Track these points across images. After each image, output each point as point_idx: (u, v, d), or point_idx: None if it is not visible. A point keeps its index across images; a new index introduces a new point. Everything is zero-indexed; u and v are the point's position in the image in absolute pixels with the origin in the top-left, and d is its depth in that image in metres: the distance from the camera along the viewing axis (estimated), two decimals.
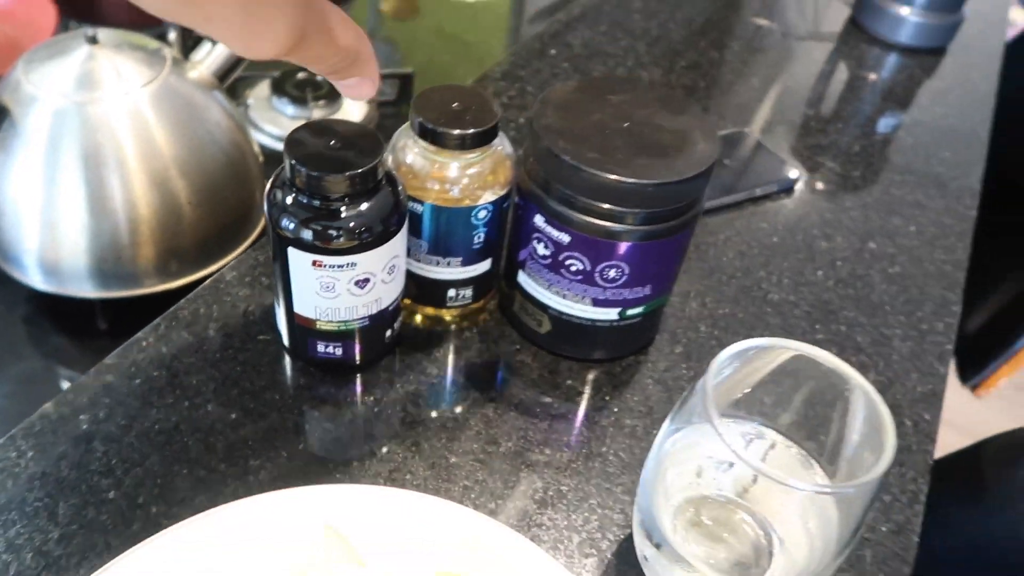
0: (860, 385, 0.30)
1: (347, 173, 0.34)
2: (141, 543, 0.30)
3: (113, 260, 0.51)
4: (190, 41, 0.58)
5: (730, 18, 0.83)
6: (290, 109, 0.70)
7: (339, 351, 0.40)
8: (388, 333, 0.41)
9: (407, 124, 0.40)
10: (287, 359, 0.42)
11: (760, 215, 0.57)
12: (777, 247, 0.54)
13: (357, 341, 0.40)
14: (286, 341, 0.41)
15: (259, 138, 0.67)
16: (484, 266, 0.44)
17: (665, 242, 0.39)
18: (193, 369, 0.40)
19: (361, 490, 0.34)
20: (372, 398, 0.41)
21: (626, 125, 0.39)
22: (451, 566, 0.32)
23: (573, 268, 0.40)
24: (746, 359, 0.31)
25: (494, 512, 0.36)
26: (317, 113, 0.70)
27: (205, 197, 0.54)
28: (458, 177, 0.40)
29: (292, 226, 0.35)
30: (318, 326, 0.39)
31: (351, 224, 0.35)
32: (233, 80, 0.58)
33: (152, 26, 0.65)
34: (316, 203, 0.35)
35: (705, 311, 0.48)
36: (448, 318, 0.45)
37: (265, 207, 0.36)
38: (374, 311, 0.39)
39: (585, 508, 0.37)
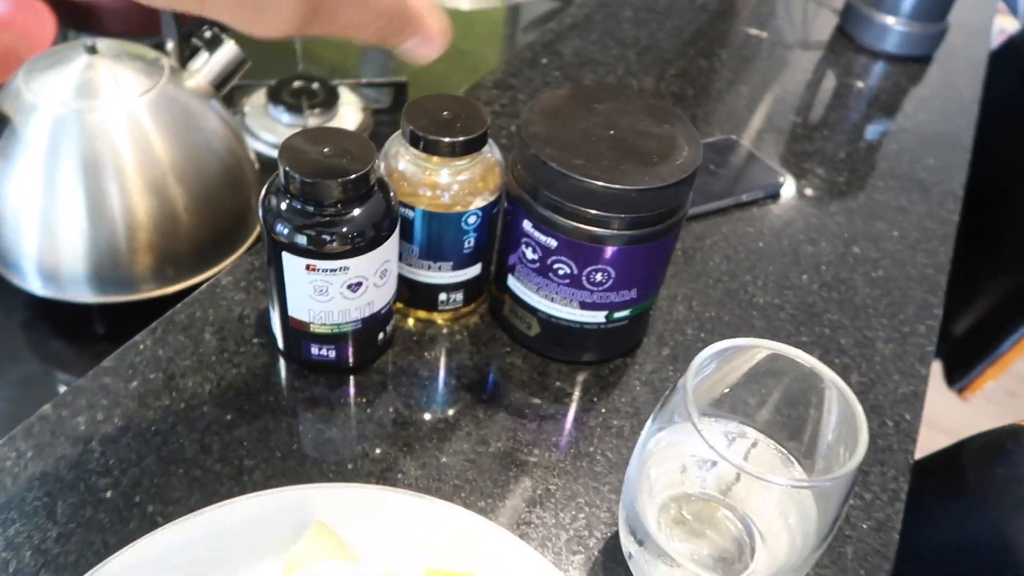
0: (834, 382, 0.31)
1: (340, 179, 0.35)
2: (136, 540, 0.31)
3: (111, 266, 0.52)
4: (187, 51, 0.59)
5: (719, 27, 0.84)
6: (286, 117, 0.71)
7: (332, 353, 0.41)
8: (380, 336, 0.42)
9: (399, 132, 0.41)
10: (281, 361, 0.43)
11: (747, 220, 0.58)
12: (763, 251, 0.55)
13: (350, 344, 0.41)
14: (280, 344, 0.42)
15: (255, 146, 0.68)
16: (474, 270, 0.45)
17: (650, 246, 0.40)
18: (189, 371, 0.41)
19: (353, 489, 0.34)
20: (365, 400, 0.42)
21: (612, 133, 0.40)
22: (442, 563, 0.33)
23: (561, 272, 0.41)
24: (725, 359, 0.32)
25: (484, 511, 0.37)
26: (313, 121, 0.71)
27: (202, 204, 0.55)
28: (449, 183, 0.41)
29: (286, 231, 0.36)
30: (311, 329, 0.40)
31: (344, 229, 0.36)
32: (230, 88, 0.59)
33: (150, 36, 0.66)
34: (310, 209, 0.36)
35: (692, 314, 0.49)
36: (440, 321, 0.46)
37: (260, 213, 0.37)
38: (367, 314, 0.40)
39: (573, 507, 0.38)
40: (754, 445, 0.36)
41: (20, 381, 0.51)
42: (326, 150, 0.36)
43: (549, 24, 0.80)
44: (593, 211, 0.38)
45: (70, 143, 0.50)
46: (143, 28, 0.71)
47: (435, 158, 0.40)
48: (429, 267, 0.43)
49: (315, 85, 0.73)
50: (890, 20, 0.80)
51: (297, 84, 0.73)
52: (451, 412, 0.42)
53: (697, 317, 0.49)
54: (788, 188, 0.62)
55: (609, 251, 0.39)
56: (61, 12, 0.70)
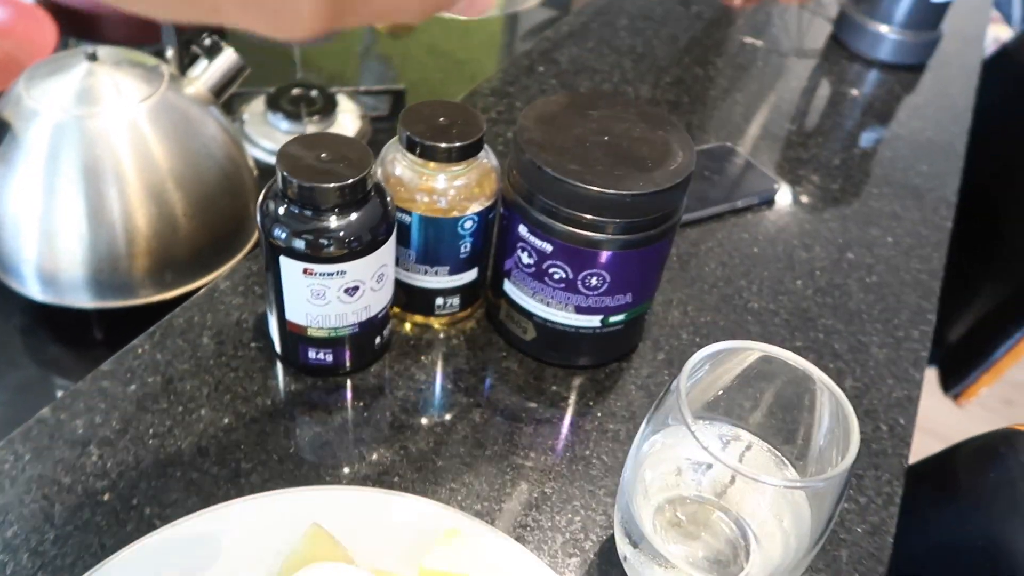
0: (825, 384, 0.31)
1: (337, 184, 0.35)
2: (134, 542, 0.31)
3: (110, 271, 0.52)
4: (187, 58, 0.60)
5: (714, 35, 0.85)
6: (284, 124, 0.72)
7: (329, 357, 0.41)
8: (377, 340, 0.42)
9: (396, 138, 0.41)
10: (279, 365, 0.43)
11: (742, 226, 0.58)
12: (758, 257, 0.56)
13: (347, 348, 0.41)
14: (278, 348, 0.42)
15: (254, 152, 0.69)
16: (471, 275, 0.45)
17: (644, 251, 0.40)
18: (187, 375, 0.41)
19: (349, 491, 0.35)
20: (361, 403, 0.42)
21: (606, 138, 0.40)
22: (438, 565, 0.33)
23: (556, 276, 0.41)
24: (717, 361, 0.33)
25: (480, 514, 0.37)
26: (311, 128, 0.71)
27: (200, 209, 0.55)
28: (445, 189, 0.41)
29: (284, 235, 0.36)
30: (309, 333, 0.40)
31: (341, 233, 0.37)
32: (229, 96, 0.60)
33: (150, 43, 0.67)
34: (307, 213, 0.36)
35: (687, 319, 0.50)
36: (436, 326, 0.47)
37: (258, 217, 0.38)
38: (363, 318, 0.40)
39: (569, 510, 0.38)
40: (748, 448, 0.36)
41: (18, 386, 0.52)
42: (324, 155, 0.37)
43: (546, 32, 0.81)
44: (588, 216, 0.39)
45: (70, 149, 0.51)
46: (143, 36, 0.72)
47: (431, 163, 0.40)
48: (426, 272, 0.44)
49: (314, 92, 0.74)
50: (884, 28, 0.80)
51: (296, 91, 0.73)
52: (447, 416, 0.42)
53: (692, 322, 0.49)
54: (783, 194, 0.62)
55: (604, 255, 0.40)
56: (62, 20, 0.70)
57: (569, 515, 0.38)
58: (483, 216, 0.42)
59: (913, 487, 0.43)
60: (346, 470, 0.38)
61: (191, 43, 0.58)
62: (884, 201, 0.63)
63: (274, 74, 0.77)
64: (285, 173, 0.36)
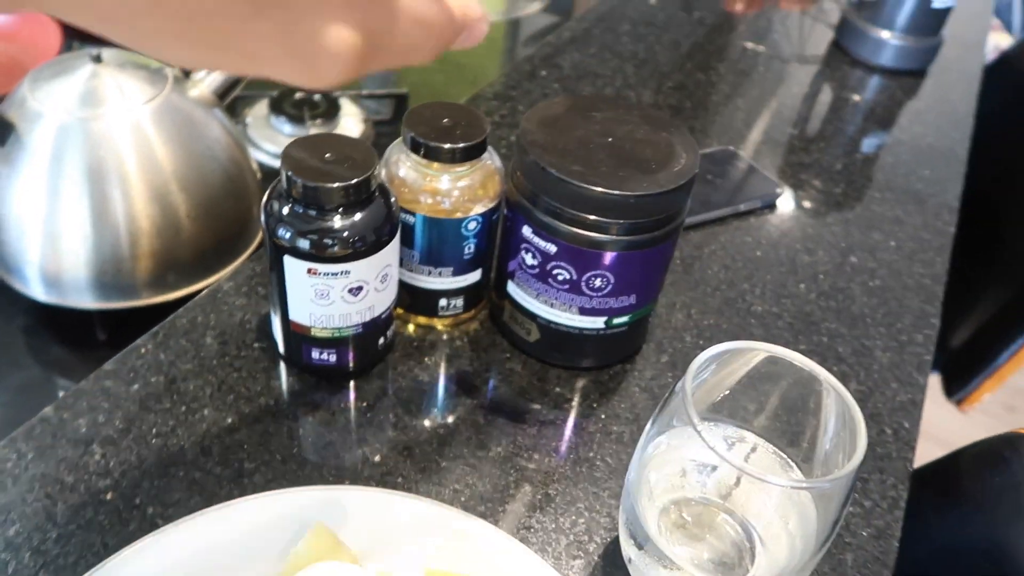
0: (831, 385, 0.31)
1: (341, 184, 0.36)
2: (137, 541, 0.31)
3: (113, 272, 0.52)
4: None
5: (716, 41, 0.85)
6: (287, 127, 0.72)
7: (333, 358, 0.41)
8: (381, 341, 0.42)
9: (400, 139, 0.42)
10: (282, 366, 0.43)
11: (744, 230, 0.58)
12: (761, 260, 0.56)
13: (351, 348, 0.41)
14: (281, 348, 0.42)
15: (257, 155, 0.69)
16: (475, 276, 0.45)
17: (648, 252, 0.40)
18: (190, 375, 0.41)
19: (353, 491, 0.34)
20: (365, 404, 0.42)
21: (610, 140, 0.41)
22: (441, 566, 0.33)
23: (560, 277, 0.41)
24: (723, 362, 0.33)
25: (484, 515, 0.37)
26: (314, 132, 0.71)
27: (204, 211, 0.55)
28: (449, 190, 0.41)
29: (288, 235, 0.36)
30: (313, 333, 0.40)
31: (345, 233, 0.37)
32: (232, 99, 0.60)
33: None
34: (311, 213, 0.36)
35: (690, 322, 0.50)
36: (440, 327, 0.46)
37: (262, 217, 0.38)
38: (367, 318, 0.40)
39: (573, 512, 0.38)
40: (753, 450, 0.36)
41: (21, 386, 0.52)
42: (328, 155, 0.37)
43: (548, 37, 0.81)
44: (592, 217, 0.39)
45: (74, 151, 0.51)
46: None
47: (435, 164, 0.40)
48: (429, 272, 0.44)
49: (316, 96, 0.74)
50: (885, 34, 0.81)
51: (299, 95, 0.73)
52: (451, 417, 0.42)
53: (696, 325, 0.49)
54: (785, 198, 0.62)
55: (608, 256, 0.40)
56: (66, 23, 0.70)
57: (573, 517, 0.38)
58: (487, 217, 0.43)
59: (916, 492, 0.43)
60: (349, 471, 0.38)
61: None
62: (886, 206, 0.63)
63: None
64: (289, 172, 0.36)
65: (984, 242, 0.82)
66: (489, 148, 0.42)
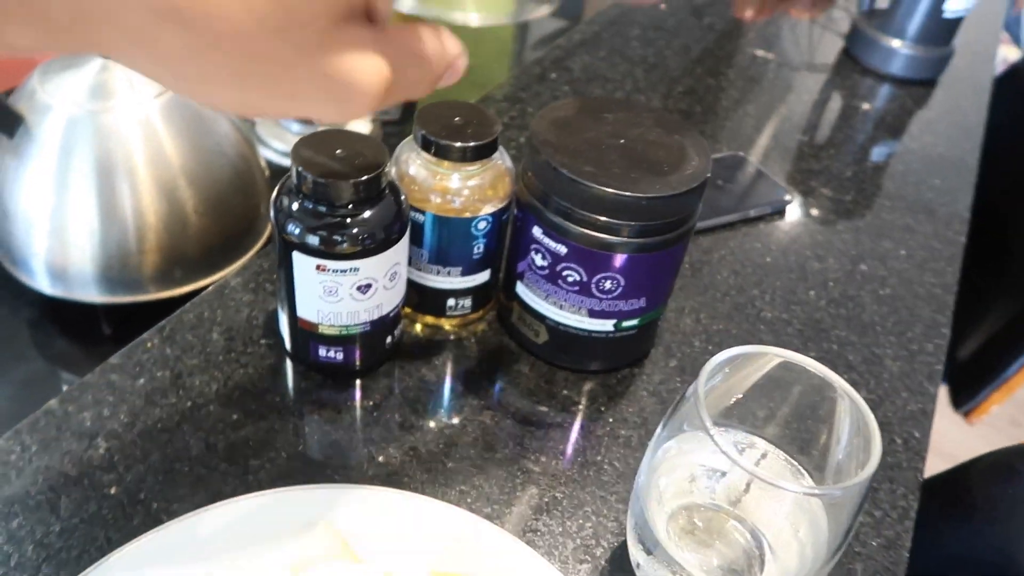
0: (846, 392, 0.31)
1: (352, 180, 0.35)
2: (140, 536, 0.31)
3: (120, 266, 0.52)
4: None
5: (726, 47, 0.85)
6: (296, 126, 0.72)
7: (340, 355, 0.41)
8: (388, 339, 0.42)
9: (410, 137, 0.41)
10: (288, 363, 0.42)
11: (754, 235, 0.58)
12: (770, 267, 0.55)
13: (358, 346, 0.41)
14: (288, 345, 0.42)
15: (265, 153, 0.69)
16: (483, 276, 0.45)
17: (659, 255, 0.40)
18: (196, 370, 0.41)
19: (359, 490, 0.34)
20: (371, 403, 0.41)
21: (622, 142, 0.40)
22: (447, 566, 0.33)
23: (570, 279, 0.41)
24: (735, 366, 0.32)
25: (490, 517, 0.37)
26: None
27: (211, 207, 0.55)
28: (459, 189, 0.41)
29: (297, 231, 0.36)
30: (320, 330, 0.40)
31: (355, 230, 0.36)
32: None
33: None
34: (321, 209, 0.36)
35: (699, 327, 0.49)
36: (447, 327, 0.46)
37: (272, 213, 0.37)
38: (375, 316, 0.40)
39: (580, 515, 0.38)
40: (764, 456, 0.35)
41: (25, 379, 0.51)
42: (338, 152, 0.37)
43: (558, 40, 0.81)
44: (603, 218, 0.38)
45: (83, 144, 0.51)
46: None
47: (446, 163, 0.40)
48: (438, 272, 0.43)
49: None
50: (896, 43, 0.80)
51: None
52: (457, 418, 0.41)
53: (705, 330, 0.49)
54: (795, 205, 0.62)
55: (619, 259, 0.39)
56: None
57: (580, 521, 0.38)
58: (497, 217, 0.42)
59: (925, 502, 0.43)
60: (355, 470, 0.38)
61: None
62: (897, 214, 0.63)
63: None
64: (300, 168, 0.35)
65: (993, 254, 0.82)
66: (500, 148, 0.42)
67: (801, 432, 0.34)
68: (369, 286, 0.38)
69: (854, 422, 0.31)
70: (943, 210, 0.64)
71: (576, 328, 0.42)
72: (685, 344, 0.48)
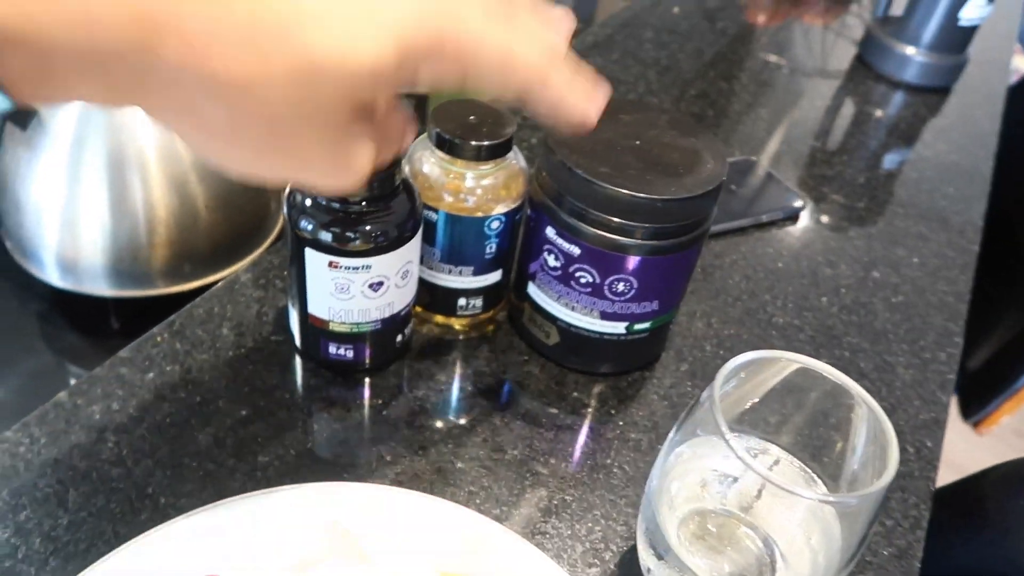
0: (863, 399, 0.31)
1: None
2: (148, 531, 0.31)
3: (130, 260, 0.52)
4: None
5: (739, 52, 0.85)
6: None
7: (350, 353, 0.41)
8: (399, 338, 0.42)
9: (424, 135, 0.41)
10: (298, 360, 0.42)
11: (766, 241, 0.58)
12: (782, 272, 0.55)
13: (368, 344, 0.41)
14: (298, 342, 0.42)
15: None
16: (495, 276, 0.44)
17: (673, 258, 0.40)
18: (206, 366, 0.41)
19: (368, 489, 0.34)
20: (380, 401, 0.41)
21: (637, 143, 0.40)
22: (455, 567, 0.32)
23: (583, 280, 0.40)
24: (751, 371, 0.32)
25: (499, 518, 0.37)
26: None
27: (222, 203, 0.55)
28: (472, 187, 0.41)
29: (310, 227, 0.36)
30: (331, 327, 0.39)
31: (368, 227, 0.36)
32: None
33: None
34: (335, 205, 0.36)
35: (711, 331, 0.49)
36: (458, 327, 0.46)
37: (284, 208, 0.37)
38: (386, 314, 0.40)
39: (589, 519, 0.38)
40: (776, 463, 0.35)
41: (33, 372, 0.51)
42: None
43: (571, 42, 0.81)
44: (617, 219, 0.38)
45: (96, 137, 0.51)
46: None
47: (460, 161, 0.40)
48: (450, 271, 0.43)
49: None
50: (910, 51, 0.80)
51: None
52: (467, 418, 0.41)
53: (716, 334, 0.49)
54: (807, 211, 0.62)
55: (632, 261, 0.39)
56: None
57: (589, 524, 0.37)
58: (510, 217, 0.42)
59: (935, 513, 0.42)
60: (363, 468, 0.38)
61: None
62: (910, 221, 0.63)
63: None
64: None
65: (1005, 264, 0.81)
66: (515, 148, 0.41)
67: (814, 439, 0.34)
68: (381, 284, 0.38)
69: (870, 430, 0.31)
70: (956, 218, 0.64)
71: (588, 330, 0.42)
72: (696, 348, 0.47)
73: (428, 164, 0.41)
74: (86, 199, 0.51)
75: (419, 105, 0.78)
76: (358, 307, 0.39)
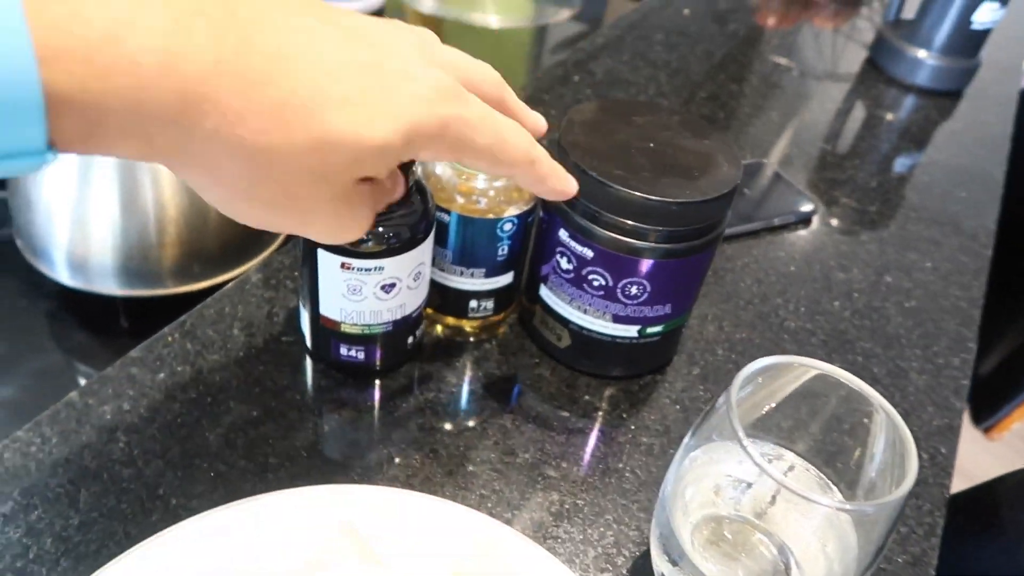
0: (882, 406, 0.30)
1: None
2: (160, 533, 0.31)
3: (140, 259, 0.52)
4: None
5: (749, 54, 0.84)
6: None
7: (361, 355, 0.40)
8: (410, 340, 0.42)
9: None
10: (308, 361, 0.42)
11: (777, 244, 0.57)
12: (794, 276, 0.55)
13: (379, 346, 0.40)
14: (309, 343, 0.42)
15: None
16: (507, 279, 0.44)
17: (686, 261, 0.39)
18: (217, 366, 0.41)
19: (379, 491, 0.34)
20: (392, 403, 0.41)
21: (651, 146, 0.40)
22: (467, 570, 0.32)
23: (595, 283, 0.40)
24: (768, 376, 0.32)
25: (510, 522, 0.36)
26: None
27: None
28: (485, 189, 0.40)
29: None
30: (342, 328, 0.39)
31: (380, 229, 0.36)
32: None
33: None
34: None
35: (722, 335, 0.49)
36: (469, 329, 0.46)
37: None
38: (398, 316, 0.39)
39: (601, 523, 0.37)
40: (791, 469, 0.35)
41: (41, 371, 0.51)
42: None
43: (580, 43, 0.80)
44: (631, 222, 0.38)
45: None
46: None
47: None
48: (462, 273, 0.43)
49: None
50: (922, 54, 0.80)
51: None
52: (478, 421, 0.41)
53: (728, 338, 0.48)
54: (818, 214, 0.61)
55: (645, 264, 0.39)
56: None
57: (601, 528, 0.37)
58: (522, 219, 0.42)
59: (948, 519, 0.42)
60: (374, 470, 0.38)
61: None
62: (922, 226, 0.62)
63: None
64: None
65: (1017, 269, 0.81)
66: None
67: (830, 446, 0.33)
68: (393, 285, 0.38)
69: (889, 437, 0.30)
70: (969, 223, 0.63)
71: (600, 333, 0.42)
72: (708, 352, 0.47)
73: (440, 166, 0.41)
74: (96, 198, 0.51)
75: None
76: (370, 308, 0.38)
